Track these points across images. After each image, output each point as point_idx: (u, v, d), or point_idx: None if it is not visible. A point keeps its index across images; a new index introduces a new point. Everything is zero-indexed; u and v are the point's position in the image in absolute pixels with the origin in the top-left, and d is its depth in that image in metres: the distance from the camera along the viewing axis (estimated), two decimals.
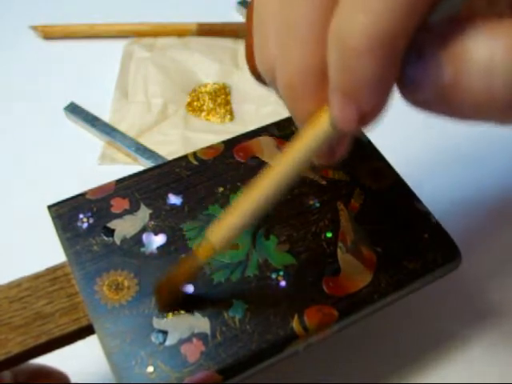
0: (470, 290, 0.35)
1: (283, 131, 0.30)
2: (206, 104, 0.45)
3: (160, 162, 0.39)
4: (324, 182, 0.28)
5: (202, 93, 0.45)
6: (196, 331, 0.23)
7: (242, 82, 0.46)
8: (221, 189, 0.27)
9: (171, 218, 0.26)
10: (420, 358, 0.32)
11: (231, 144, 0.29)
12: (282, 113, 0.43)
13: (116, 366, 0.22)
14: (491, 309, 0.34)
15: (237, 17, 0.52)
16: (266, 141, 0.29)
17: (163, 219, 0.26)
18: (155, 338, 0.23)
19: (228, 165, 0.28)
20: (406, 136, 0.41)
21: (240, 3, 0.52)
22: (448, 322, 0.33)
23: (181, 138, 0.42)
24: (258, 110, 0.45)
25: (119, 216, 0.26)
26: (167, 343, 0.22)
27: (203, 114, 0.44)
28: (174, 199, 0.27)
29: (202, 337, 0.23)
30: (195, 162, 0.28)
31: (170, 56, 0.48)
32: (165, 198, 0.27)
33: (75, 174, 0.40)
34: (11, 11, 0.51)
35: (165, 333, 0.23)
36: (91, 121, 0.42)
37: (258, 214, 0.20)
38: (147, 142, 0.42)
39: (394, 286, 0.25)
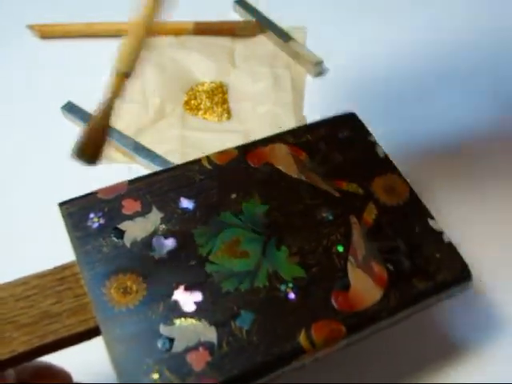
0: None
1: (298, 139, 0.30)
2: (203, 103, 0.44)
3: (157, 160, 0.39)
4: (337, 194, 0.27)
5: (199, 91, 0.45)
6: (203, 339, 0.23)
7: (239, 80, 0.46)
8: (233, 195, 0.27)
9: (182, 223, 0.26)
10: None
11: (245, 150, 0.29)
12: (279, 112, 0.43)
13: (121, 372, 0.22)
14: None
15: (234, 15, 0.52)
16: (280, 148, 0.29)
17: (174, 223, 0.26)
18: (162, 345, 0.22)
19: (241, 170, 0.28)
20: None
21: (237, 2, 0.51)
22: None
23: (178, 136, 0.42)
24: (255, 108, 0.44)
25: (130, 218, 0.26)
26: (174, 350, 0.22)
27: (200, 112, 0.44)
28: (186, 203, 0.27)
29: (208, 346, 0.23)
30: (209, 167, 0.28)
31: (167, 55, 0.47)
32: (177, 201, 0.26)
33: (72, 173, 0.39)
34: (8, 10, 0.51)
35: (171, 340, 0.23)
36: (88, 120, 0.42)
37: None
38: (145, 140, 0.41)
39: (402, 304, 0.24)
